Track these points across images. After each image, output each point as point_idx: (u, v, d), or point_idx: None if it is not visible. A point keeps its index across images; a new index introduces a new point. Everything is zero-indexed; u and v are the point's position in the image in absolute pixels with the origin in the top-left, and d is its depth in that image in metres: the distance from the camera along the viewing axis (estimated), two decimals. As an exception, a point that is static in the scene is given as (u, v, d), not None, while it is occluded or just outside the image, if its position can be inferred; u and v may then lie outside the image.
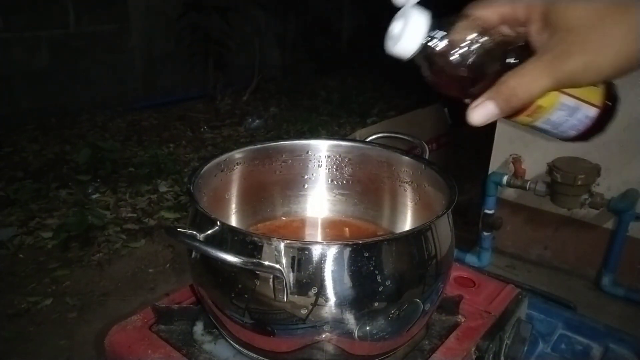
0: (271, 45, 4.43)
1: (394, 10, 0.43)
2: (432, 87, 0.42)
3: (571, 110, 0.43)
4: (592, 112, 0.44)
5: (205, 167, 0.63)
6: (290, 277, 0.47)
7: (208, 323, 0.63)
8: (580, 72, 0.37)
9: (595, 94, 0.43)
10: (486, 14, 0.40)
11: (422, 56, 0.41)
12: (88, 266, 1.84)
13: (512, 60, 0.40)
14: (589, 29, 0.36)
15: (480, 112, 0.39)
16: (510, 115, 0.41)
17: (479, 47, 0.39)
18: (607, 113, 0.44)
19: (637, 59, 0.36)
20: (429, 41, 0.40)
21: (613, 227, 1.48)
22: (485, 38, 0.40)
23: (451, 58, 0.40)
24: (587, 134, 0.45)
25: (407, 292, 0.51)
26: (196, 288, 0.58)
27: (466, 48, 0.39)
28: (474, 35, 0.40)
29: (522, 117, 0.43)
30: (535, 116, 0.42)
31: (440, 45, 0.40)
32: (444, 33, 0.40)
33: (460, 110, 0.44)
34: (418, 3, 0.41)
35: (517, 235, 1.70)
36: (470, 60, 0.39)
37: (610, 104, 0.44)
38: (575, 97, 0.42)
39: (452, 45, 0.40)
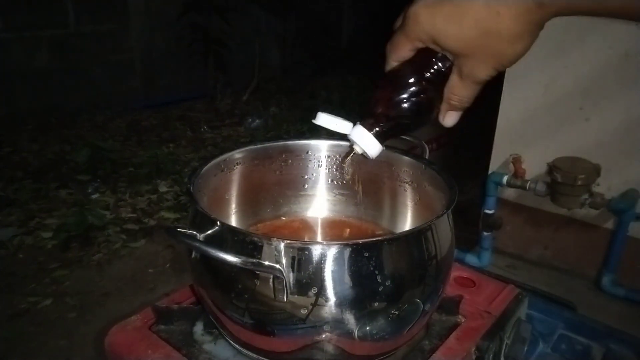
0: (271, 45, 4.43)
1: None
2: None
3: None
4: None
5: (205, 167, 0.63)
6: (290, 277, 0.47)
7: (208, 323, 0.63)
8: (494, 72, 0.44)
9: None
10: (399, 59, 0.48)
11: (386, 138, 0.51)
12: (88, 266, 1.85)
13: (441, 71, 0.47)
14: (476, 50, 0.42)
15: (450, 119, 0.49)
16: None
17: (408, 102, 0.47)
18: None
19: (521, 54, 0.42)
20: (378, 133, 0.50)
21: (613, 227, 1.48)
22: (415, 90, 0.47)
23: (402, 120, 0.49)
24: None
25: (407, 292, 0.51)
26: (196, 288, 0.58)
27: (409, 107, 0.47)
28: (407, 92, 0.47)
29: None
30: None
31: (387, 130, 0.50)
32: (381, 125, 0.50)
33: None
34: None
35: (517, 235, 1.70)
36: (411, 112, 0.48)
37: None
38: None
39: (390, 121, 0.49)
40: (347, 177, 0.70)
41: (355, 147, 0.52)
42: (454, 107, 0.48)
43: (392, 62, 0.48)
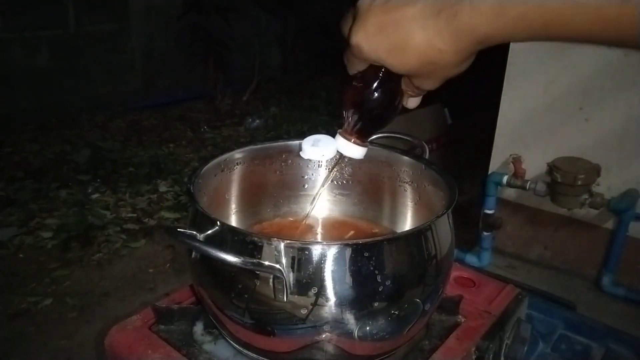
0: (271, 45, 4.43)
1: None
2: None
3: None
4: None
5: (205, 167, 0.63)
6: (290, 277, 0.47)
7: (208, 323, 0.63)
8: (440, 83, 0.46)
9: None
10: (356, 70, 0.49)
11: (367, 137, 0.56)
12: (88, 266, 1.85)
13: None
14: (421, 74, 0.44)
15: (412, 103, 0.52)
16: None
17: (373, 101, 0.50)
18: None
19: (470, 62, 0.44)
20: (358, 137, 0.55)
21: (613, 227, 1.48)
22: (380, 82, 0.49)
23: (374, 117, 0.53)
24: None
25: (407, 292, 0.51)
26: (196, 288, 0.58)
27: (363, 112, 0.52)
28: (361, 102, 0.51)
29: None
30: None
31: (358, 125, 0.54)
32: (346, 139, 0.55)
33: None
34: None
35: (517, 235, 1.70)
36: (378, 108, 0.51)
37: None
38: None
39: (364, 121, 0.53)
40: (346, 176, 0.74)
41: (344, 155, 0.57)
42: (412, 96, 0.51)
43: (351, 72, 0.50)
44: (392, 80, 0.49)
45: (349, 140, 0.55)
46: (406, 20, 0.40)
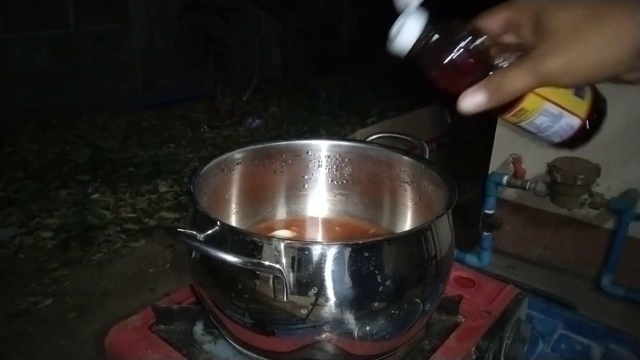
0: (271, 45, 4.43)
1: (393, 10, 0.44)
2: (430, 83, 0.43)
3: (554, 118, 0.44)
4: (576, 122, 0.45)
5: (206, 167, 0.63)
6: (290, 277, 0.47)
7: (208, 323, 0.63)
8: (559, 72, 0.37)
9: (581, 106, 0.45)
10: (489, 23, 0.41)
11: (418, 54, 0.42)
12: (88, 266, 1.85)
13: (503, 63, 0.42)
14: (572, 32, 0.36)
15: (470, 101, 0.41)
16: (497, 112, 0.43)
17: (468, 50, 0.41)
18: (591, 126, 0.45)
19: (615, 66, 0.36)
20: (423, 41, 0.42)
21: (613, 227, 1.48)
22: (477, 42, 0.41)
23: (441, 58, 0.41)
24: (572, 142, 0.47)
25: (407, 292, 0.51)
26: (196, 288, 0.58)
27: (456, 51, 0.41)
28: (467, 39, 0.41)
29: (508, 117, 0.44)
30: (520, 118, 0.44)
31: (432, 44, 0.41)
32: (437, 35, 0.41)
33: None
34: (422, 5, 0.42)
35: (517, 235, 1.70)
36: (458, 60, 0.41)
37: (595, 117, 0.45)
38: (559, 105, 0.43)
39: (443, 46, 0.41)
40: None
41: (399, 21, 0.42)
42: (485, 89, 0.40)
43: (480, 21, 0.42)
44: (489, 59, 0.42)
45: (428, 31, 0.41)
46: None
